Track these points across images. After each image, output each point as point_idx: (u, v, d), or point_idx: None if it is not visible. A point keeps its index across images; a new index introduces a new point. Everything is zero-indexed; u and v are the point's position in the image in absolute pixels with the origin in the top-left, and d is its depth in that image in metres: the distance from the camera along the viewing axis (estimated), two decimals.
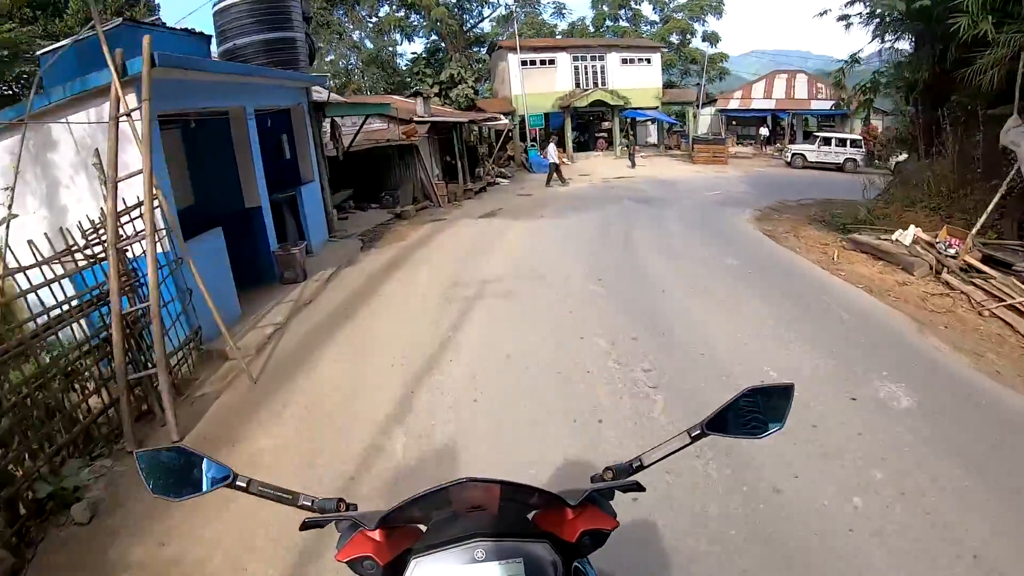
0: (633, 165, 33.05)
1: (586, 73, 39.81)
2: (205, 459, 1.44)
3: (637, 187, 26.18)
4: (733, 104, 44.71)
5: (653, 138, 48.06)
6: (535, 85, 37.56)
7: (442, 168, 25.15)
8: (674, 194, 23.80)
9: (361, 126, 19.20)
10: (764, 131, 42.31)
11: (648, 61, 41.34)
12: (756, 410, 1.42)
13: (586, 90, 38.93)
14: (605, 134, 42.75)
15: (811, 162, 33.15)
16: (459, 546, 1.25)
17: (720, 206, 19.64)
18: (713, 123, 46.19)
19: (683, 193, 24.10)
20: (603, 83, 39.68)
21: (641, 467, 1.43)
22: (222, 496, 1.63)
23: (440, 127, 24.39)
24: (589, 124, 45.05)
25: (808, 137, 40.94)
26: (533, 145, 36.40)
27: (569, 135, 39.03)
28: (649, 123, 47.16)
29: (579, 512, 1.32)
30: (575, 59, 39.51)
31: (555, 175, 26.61)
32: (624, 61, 40.52)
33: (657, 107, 41.26)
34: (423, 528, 1.39)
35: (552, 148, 27.48)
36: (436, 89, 39.84)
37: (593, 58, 39.99)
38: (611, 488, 1.39)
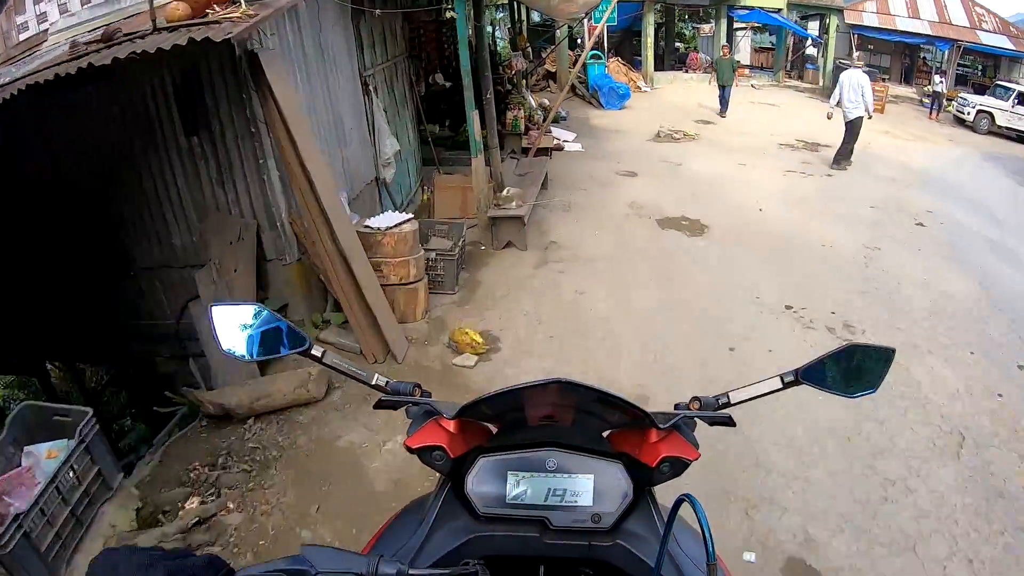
0: (724, 109, 16.85)
1: None
2: (284, 323, 1.28)
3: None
4: (869, 20, 26.75)
5: (744, 56, 29.24)
6: None
7: (416, 125, 7.68)
8: None
9: None
10: (939, 81, 22.91)
11: None
12: (853, 368, 1.26)
13: None
14: (679, 45, 24.69)
15: (1000, 127, 20.15)
16: (531, 452, 1.18)
17: None
18: (836, 43, 27.85)
19: None
20: None
21: (728, 404, 1.27)
22: None
23: None
24: (666, 27, 26.79)
25: (965, 83, 26.74)
26: (596, 57, 18.25)
27: (650, 42, 21.06)
28: (741, 33, 28.63)
29: (664, 436, 1.17)
30: None
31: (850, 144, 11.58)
32: None
33: (781, 10, 23.54)
34: (493, 429, 1.26)
35: (859, 80, 11.18)
36: None
37: None
38: (697, 418, 1.25)
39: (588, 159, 11.13)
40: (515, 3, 17.04)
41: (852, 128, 11.11)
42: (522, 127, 10.91)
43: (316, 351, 1.27)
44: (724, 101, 16.44)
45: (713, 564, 0.90)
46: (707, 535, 0.91)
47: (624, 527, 1.16)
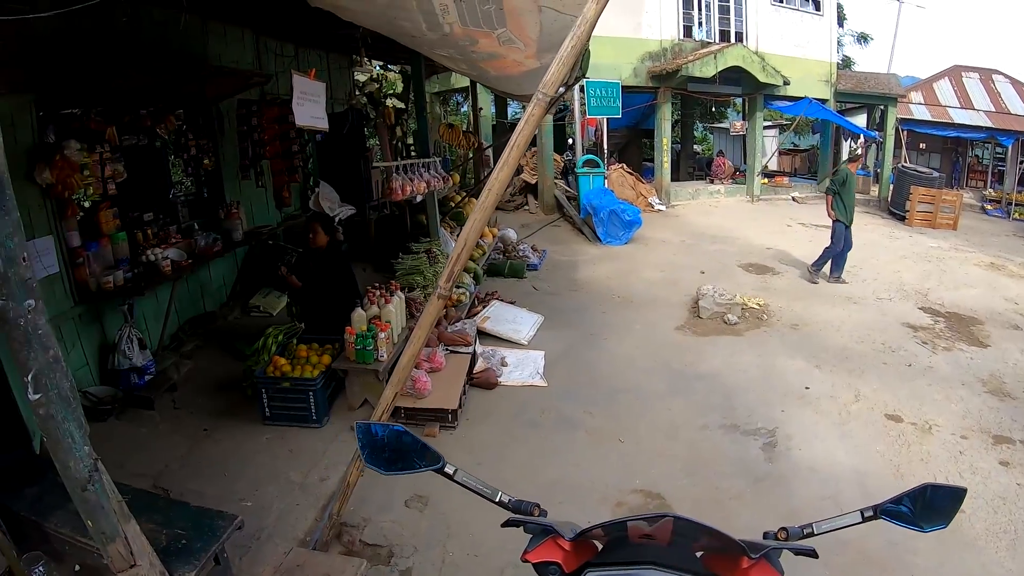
0: (840, 267, 9.22)
1: (707, 8, 16.16)
2: (422, 443, 1.45)
3: None
4: (918, 112, 21.12)
5: (768, 156, 23.07)
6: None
7: None
8: None
9: None
10: None
11: (816, 4, 17.88)
12: (926, 505, 1.35)
13: (708, 43, 15.57)
14: (697, 148, 18.89)
15: None
16: (635, 570, 1.22)
17: None
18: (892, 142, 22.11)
19: None
20: (743, 35, 16.39)
21: (811, 534, 1.36)
22: None
23: None
24: (682, 125, 21.24)
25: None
26: (592, 164, 12.32)
27: (667, 143, 15.30)
28: (771, 132, 22.93)
29: (754, 564, 1.22)
30: None
31: None
32: None
33: (827, 100, 17.81)
34: (598, 545, 1.35)
35: None
36: None
37: None
38: (784, 548, 1.29)
39: (546, 433, 4.84)
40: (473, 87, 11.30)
41: None
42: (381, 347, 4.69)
43: (448, 469, 1.43)
44: (843, 249, 9.10)
45: None
46: None
47: None
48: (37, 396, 1.78)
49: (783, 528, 1.35)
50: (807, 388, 5.63)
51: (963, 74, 22.62)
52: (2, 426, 3.69)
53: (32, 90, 4.24)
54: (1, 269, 1.78)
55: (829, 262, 9.06)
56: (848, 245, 8.99)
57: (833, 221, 8.95)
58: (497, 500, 1.41)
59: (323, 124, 4.80)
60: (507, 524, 1.35)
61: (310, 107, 4.55)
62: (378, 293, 5.06)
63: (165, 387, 4.96)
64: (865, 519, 1.34)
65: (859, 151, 10.29)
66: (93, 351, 4.92)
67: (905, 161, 19.46)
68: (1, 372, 3.61)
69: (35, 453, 3.70)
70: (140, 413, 4.65)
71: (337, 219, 7.22)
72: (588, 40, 2.62)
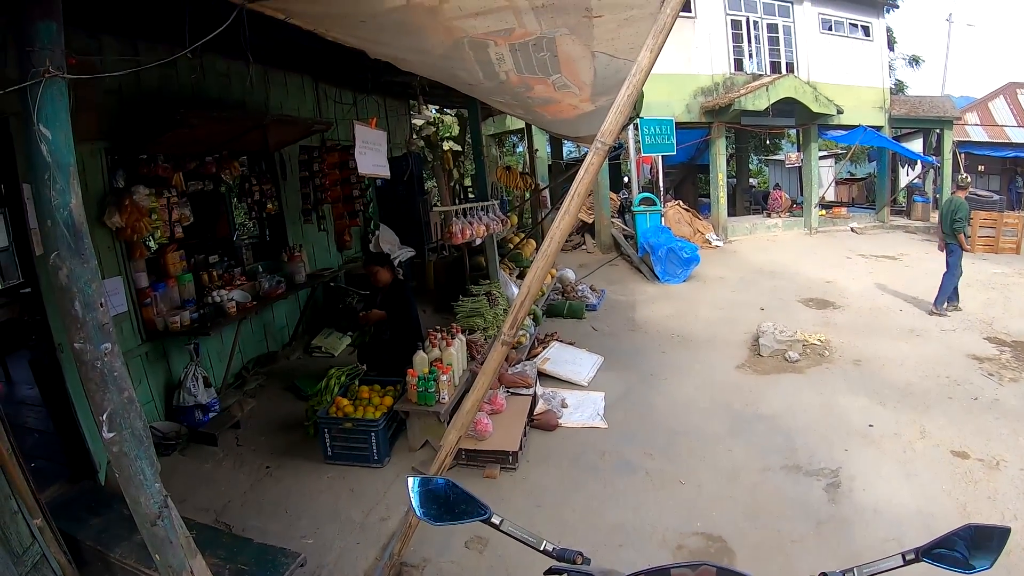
0: (951, 296, 8.85)
1: (757, 41, 15.92)
2: (469, 495, 1.48)
3: None
4: (974, 133, 20.94)
5: (825, 187, 22.39)
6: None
7: None
8: None
9: None
10: None
11: (866, 30, 17.65)
12: (969, 546, 1.33)
13: (759, 76, 15.47)
14: (752, 182, 18.69)
15: None
16: None
17: None
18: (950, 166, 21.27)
19: None
20: (794, 66, 16.17)
21: None
22: None
23: None
24: (737, 159, 20.92)
25: None
26: (648, 202, 12.29)
27: (722, 179, 15.09)
28: (826, 162, 22.46)
29: None
30: (734, 8, 15.82)
31: None
32: (827, 25, 16.96)
33: (882, 127, 17.46)
34: None
35: None
36: None
37: (771, 9, 16.21)
38: None
39: (607, 476, 4.74)
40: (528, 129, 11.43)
41: None
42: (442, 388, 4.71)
43: (495, 519, 1.45)
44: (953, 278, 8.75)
45: None
46: None
47: None
48: (111, 435, 1.85)
49: (823, 573, 1.32)
50: (870, 426, 5.39)
51: (1018, 91, 22.07)
52: (69, 457, 3.83)
53: (102, 137, 4.50)
54: (80, 314, 1.87)
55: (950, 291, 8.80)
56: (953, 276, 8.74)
57: (957, 253, 8.64)
58: (541, 548, 1.42)
59: (385, 172, 4.94)
60: (549, 572, 1.38)
61: (372, 155, 4.68)
62: (439, 336, 5.10)
63: (228, 425, 5.07)
64: (907, 562, 1.31)
65: (968, 177, 9.80)
66: (159, 388, 5.10)
67: (966, 178, 18.75)
68: (67, 404, 3.76)
69: (100, 484, 3.82)
70: (203, 449, 4.78)
71: (397, 261, 7.35)
72: (642, 86, 2.63)
